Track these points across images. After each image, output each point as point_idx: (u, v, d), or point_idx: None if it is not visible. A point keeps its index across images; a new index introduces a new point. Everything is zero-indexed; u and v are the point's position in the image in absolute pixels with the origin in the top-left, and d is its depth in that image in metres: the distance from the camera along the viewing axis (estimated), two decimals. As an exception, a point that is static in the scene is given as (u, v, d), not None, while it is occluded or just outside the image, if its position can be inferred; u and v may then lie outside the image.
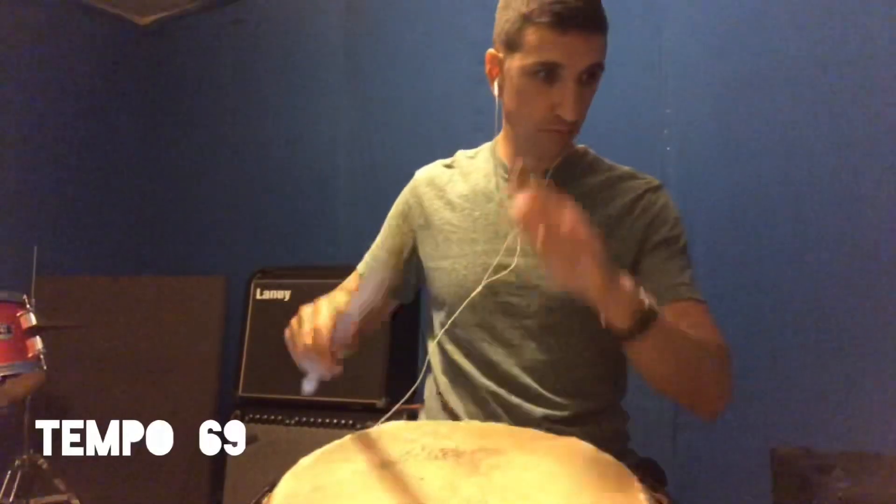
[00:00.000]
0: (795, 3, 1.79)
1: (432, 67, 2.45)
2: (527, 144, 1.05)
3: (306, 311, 0.90)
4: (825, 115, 1.73)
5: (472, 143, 1.21)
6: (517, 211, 0.71)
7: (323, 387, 0.87)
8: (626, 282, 0.76)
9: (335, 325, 0.85)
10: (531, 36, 0.91)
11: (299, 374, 0.89)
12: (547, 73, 0.92)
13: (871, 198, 1.67)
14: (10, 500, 2.06)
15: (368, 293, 0.86)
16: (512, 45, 0.95)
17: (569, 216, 0.70)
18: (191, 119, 3.14)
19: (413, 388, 1.13)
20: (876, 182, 1.67)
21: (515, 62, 0.95)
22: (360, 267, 1.23)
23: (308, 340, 0.86)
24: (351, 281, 1.24)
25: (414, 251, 1.16)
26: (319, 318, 0.87)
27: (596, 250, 0.71)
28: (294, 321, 0.90)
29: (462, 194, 1.12)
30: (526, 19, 0.91)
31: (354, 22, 2.66)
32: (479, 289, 1.03)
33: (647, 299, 0.78)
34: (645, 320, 0.77)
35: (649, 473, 0.92)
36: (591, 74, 0.94)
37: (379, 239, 1.22)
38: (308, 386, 0.86)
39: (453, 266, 1.07)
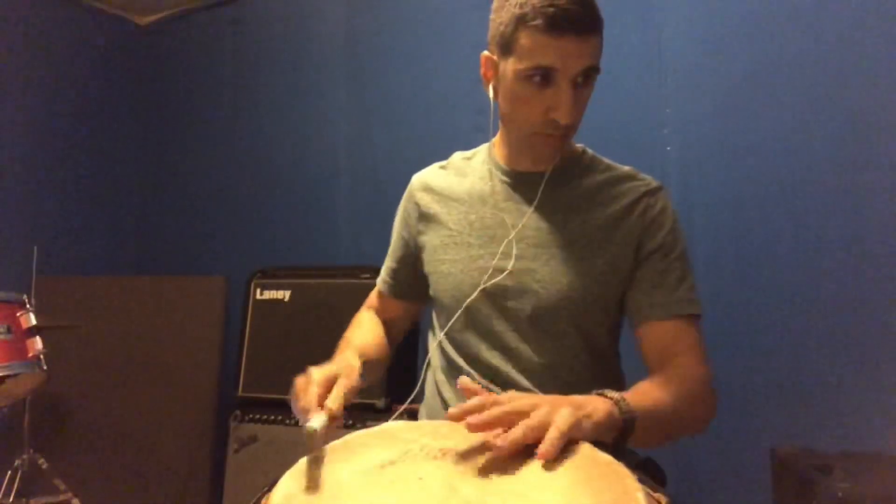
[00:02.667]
0: (795, 3, 1.79)
1: (433, 67, 2.45)
2: (522, 147, 1.05)
3: (298, 383, 0.85)
4: (825, 115, 1.73)
5: (472, 144, 1.21)
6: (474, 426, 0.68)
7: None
8: (598, 409, 0.75)
9: (323, 396, 0.81)
10: (525, 39, 0.90)
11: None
12: (541, 76, 0.91)
13: (872, 198, 1.67)
14: (10, 500, 2.06)
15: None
16: (506, 48, 0.94)
17: (517, 404, 0.69)
18: (191, 119, 3.14)
19: (416, 391, 1.14)
20: (876, 182, 1.66)
21: (510, 65, 0.94)
22: (379, 284, 1.25)
23: (302, 417, 0.82)
24: (373, 298, 1.27)
25: (417, 256, 1.17)
26: (307, 395, 0.82)
27: (567, 418, 0.68)
28: (298, 384, 0.85)
29: (458, 196, 1.11)
30: (519, 22, 0.90)
31: (355, 22, 2.66)
32: (474, 295, 1.03)
33: (618, 409, 0.77)
34: (626, 429, 0.77)
35: (649, 473, 0.92)
36: (587, 77, 0.94)
37: (389, 251, 1.23)
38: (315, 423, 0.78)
39: (450, 269, 1.07)
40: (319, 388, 0.82)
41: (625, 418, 0.77)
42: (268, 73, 2.89)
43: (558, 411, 0.68)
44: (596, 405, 0.75)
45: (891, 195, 1.65)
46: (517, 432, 0.66)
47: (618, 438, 0.77)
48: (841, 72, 1.72)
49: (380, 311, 1.25)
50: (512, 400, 0.71)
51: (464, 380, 0.77)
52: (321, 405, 0.79)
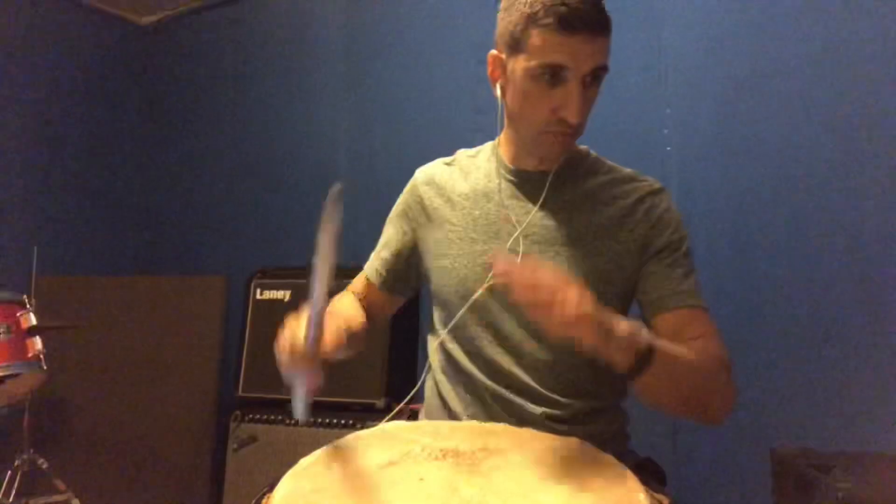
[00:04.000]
0: (795, 3, 1.79)
1: (432, 67, 2.45)
2: (529, 146, 1.05)
3: (290, 322, 0.87)
4: (825, 115, 1.73)
5: (472, 143, 1.21)
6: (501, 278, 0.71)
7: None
8: (622, 325, 0.75)
9: (306, 329, 0.82)
10: (535, 38, 0.90)
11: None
12: (551, 75, 0.91)
13: (871, 198, 1.67)
14: (10, 500, 2.06)
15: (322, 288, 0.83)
16: (515, 46, 0.94)
17: (557, 284, 0.70)
18: (191, 119, 3.14)
19: (415, 389, 1.14)
20: (876, 182, 1.67)
21: (519, 64, 0.94)
22: (366, 270, 1.23)
23: (286, 352, 0.83)
24: (358, 284, 1.26)
25: (415, 250, 1.17)
26: (298, 328, 0.84)
27: (589, 309, 0.70)
28: (280, 334, 0.87)
29: (462, 193, 1.12)
30: (530, 21, 0.90)
31: (354, 21, 2.66)
32: (480, 291, 1.03)
33: (643, 337, 0.77)
34: (643, 359, 0.77)
35: (649, 473, 0.92)
36: (595, 77, 0.94)
37: (382, 239, 1.22)
38: (298, 406, 0.81)
39: (453, 265, 1.07)
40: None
41: (646, 344, 0.77)
42: (268, 73, 2.89)
43: (585, 300, 0.70)
44: (620, 320, 0.75)
45: (891, 195, 1.65)
46: (531, 274, 0.70)
47: (634, 366, 0.77)
48: (840, 72, 1.72)
49: (363, 298, 1.23)
50: (549, 276, 0.72)
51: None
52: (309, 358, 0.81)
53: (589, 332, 0.70)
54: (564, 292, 0.69)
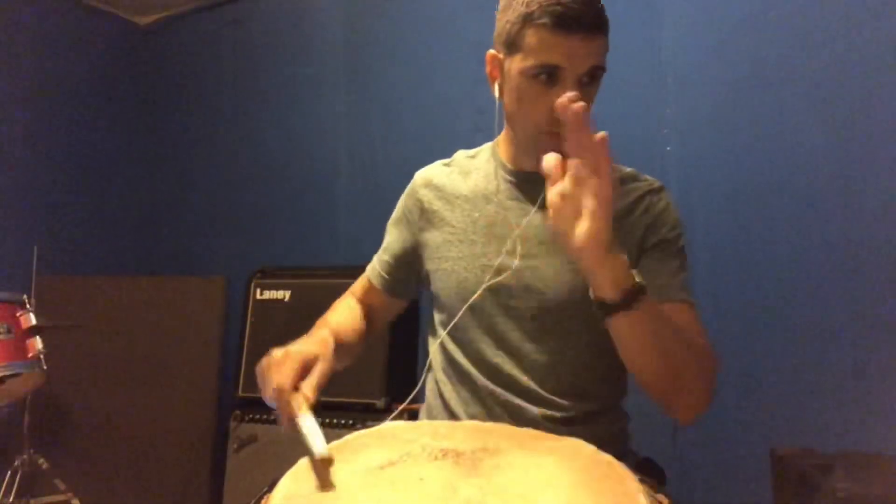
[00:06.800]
0: (795, 3, 1.79)
1: (433, 67, 2.45)
2: (527, 146, 1.04)
3: (276, 356, 0.83)
4: (825, 115, 1.73)
5: (472, 144, 1.21)
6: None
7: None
8: (623, 256, 0.77)
9: (298, 377, 0.80)
10: (531, 37, 0.90)
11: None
12: (547, 75, 0.91)
13: (871, 197, 1.67)
14: (10, 500, 2.06)
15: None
16: (512, 46, 0.94)
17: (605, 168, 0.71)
18: (191, 119, 3.14)
19: (416, 389, 1.14)
20: (876, 182, 1.67)
21: (515, 64, 0.94)
22: (368, 272, 1.24)
23: (270, 397, 0.81)
24: (359, 286, 1.26)
25: (416, 254, 1.16)
26: (282, 371, 0.81)
27: (611, 210, 0.71)
28: (264, 362, 0.84)
29: (461, 195, 1.11)
30: (526, 21, 0.90)
31: (355, 22, 2.66)
32: (478, 293, 1.02)
33: (638, 277, 0.78)
34: (633, 295, 0.77)
35: (649, 473, 0.92)
36: (592, 76, 0.93)
37: (384, 243, 1.23)
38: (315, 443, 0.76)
39: (453, 267, 1.07)
40: (295, 369, 0.81)
41: (638, 283, 0.78)
42: (268, 73, 2.89)
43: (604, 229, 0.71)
44: (622, 255, 0.77)
45: (890, 195, 1.65)
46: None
47: (620, 300, 0.77)
48: (840, 72, 1.72)
49: (364, 301, 1.23)
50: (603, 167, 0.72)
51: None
52: (296, 388, 0.79)
53: (594, 254, 0.71)
54: (590, 215, 0.70)
